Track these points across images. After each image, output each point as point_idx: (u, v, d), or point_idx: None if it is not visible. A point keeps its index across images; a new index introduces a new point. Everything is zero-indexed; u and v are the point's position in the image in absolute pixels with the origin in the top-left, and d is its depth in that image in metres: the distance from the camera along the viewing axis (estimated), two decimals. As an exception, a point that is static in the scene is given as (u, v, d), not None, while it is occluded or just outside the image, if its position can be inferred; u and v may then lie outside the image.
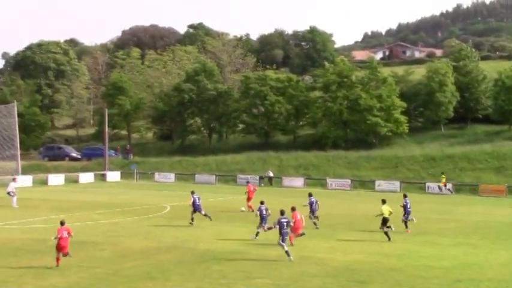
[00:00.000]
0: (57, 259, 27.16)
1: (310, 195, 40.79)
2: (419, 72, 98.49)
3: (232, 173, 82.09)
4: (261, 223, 34.67)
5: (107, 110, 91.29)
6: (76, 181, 78.66)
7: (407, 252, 31.33)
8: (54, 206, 50.37)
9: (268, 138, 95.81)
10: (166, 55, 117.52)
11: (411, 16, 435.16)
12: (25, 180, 73.18)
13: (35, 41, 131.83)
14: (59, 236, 27.35)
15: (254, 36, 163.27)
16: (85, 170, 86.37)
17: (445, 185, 71.50)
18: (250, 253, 30.41)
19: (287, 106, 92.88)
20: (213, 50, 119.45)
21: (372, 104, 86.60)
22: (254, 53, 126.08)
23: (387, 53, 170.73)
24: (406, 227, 38.70)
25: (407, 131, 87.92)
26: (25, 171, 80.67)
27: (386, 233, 35.21)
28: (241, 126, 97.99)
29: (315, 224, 39.29)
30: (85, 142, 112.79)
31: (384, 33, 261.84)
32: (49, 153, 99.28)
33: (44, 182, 75.45)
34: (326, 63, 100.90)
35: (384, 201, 36.11)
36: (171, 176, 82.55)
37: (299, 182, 76.88)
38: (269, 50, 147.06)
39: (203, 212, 40.57)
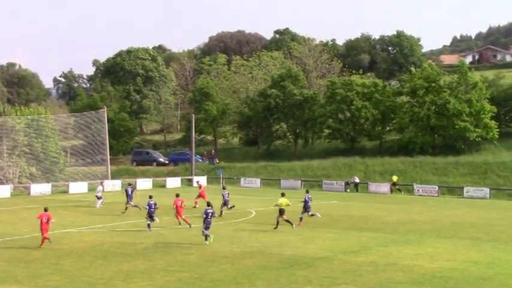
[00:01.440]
0: (43, 240, 32.96)
1: (223, 188, 50.97)
2: (510, 77, 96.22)
3: (317, 179, 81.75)
4: (147, 214, 39.55)
5: (193, 115, 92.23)
6: (163, 186, 79.66)
7: (497, 260, 30.61)
8: (138, 212, 51.17)
9: (354, 143, 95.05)
10: (252, 61, 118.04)
11: (503, 19, 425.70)
12: (114, 185, 74.68)
13: (124, 47, 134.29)
14: (39, 220, 33.29)
15: (340, 41, 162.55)
16: (172, 174, 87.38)
17: (394, 184, 74.38)
18: (336, 259, 30.25)
19: (373, 111, 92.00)
20: (299, 55, 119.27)
21: (461, 108, 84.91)
22: (340, 58, 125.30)
23: (477, 57, 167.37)
24: (300, 220, 42.49)
25: (497, 136, 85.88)
26: (114, 175, 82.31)
27: (278, 222, 40.33)
28: (326, 131, 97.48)
29: (221, 212, 47.03)
30: (172, 147, 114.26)
31: (473, 36, 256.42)
32: (137, 158, 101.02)
33: (133, 187, 76.65)
34: (412, 69, 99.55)
35: (283, 194, 41.10)
36: (257, 181, 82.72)
37: (385, 187, 75.99)
38: (355, 55, 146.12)
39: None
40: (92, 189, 69.87)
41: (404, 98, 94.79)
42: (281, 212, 40.29)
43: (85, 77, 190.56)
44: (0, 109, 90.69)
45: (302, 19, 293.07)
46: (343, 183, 77.93)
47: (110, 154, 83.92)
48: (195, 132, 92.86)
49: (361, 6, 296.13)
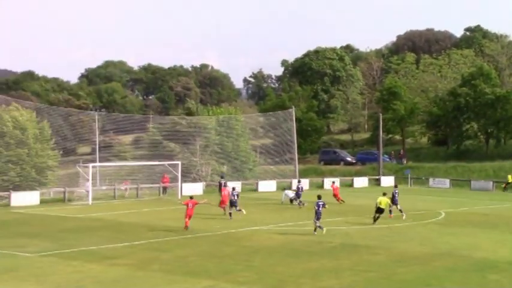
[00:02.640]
0: (186, 223, 38.58)
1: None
2: None
3: (510, 180, 78.54)
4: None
5: (381, 115, 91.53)
6: (351, 185, 79.63)
7: None
8: (329, 210, 51.37)
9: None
10: (442, 59, 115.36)
11: None
12: (302, 184, 75.56)
13: (312, 48, 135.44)
14: (184, 204, 39.37)
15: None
16: (359, 174, 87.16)
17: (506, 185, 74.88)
18: (531, 264, 29.02)
19: None
20: (491, 53, 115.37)
21: None
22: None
23: None
24: (390, 212, 45.45)
25: None
26: (302, 174, 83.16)
27: (375, 218, 42.37)
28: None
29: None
30: (359, 147, 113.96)
31: None
32: (325, 157, 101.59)
33: (320, 186, 77.17)
34: None
35: (384, 194, 43.98)
36: (446, 182, 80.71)
37: None
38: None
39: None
40: (280, 187, 71.11)
41: None
42: (379, 210, 42.52)
43: (274, 77, 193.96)
44: (194, 109, 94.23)
45: (495, 15, 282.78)
46: (537, 186, 74.43)
47: (298, 153, 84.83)
48: (383, 132, 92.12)
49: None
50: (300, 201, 53.28)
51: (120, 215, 47.22)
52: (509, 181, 74.59)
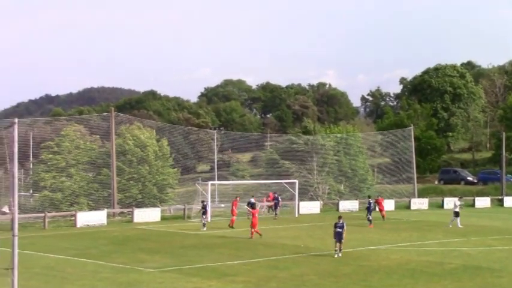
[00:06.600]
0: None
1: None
2: None
3: None
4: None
5: (504, 133, 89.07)
6: (472, 205, 77.74)
7: None
8: (449, 230, 50.37)
9: None
10: None
11: None
12: (421, 203, 74.50)
13: (432, 65, 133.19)
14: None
15: None
16: (481, 194, 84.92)
17: None
18: None
19: None
20: None
21: None
22: None
23: None
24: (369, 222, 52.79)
25: None
26: (421, 194, 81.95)
27: None
28: None
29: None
30: (481, 166, 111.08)
31: None
32: (444, 176, 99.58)
33: (440, 205, 75.85)
34: None
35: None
36: None
37: None
38: None
39: None
40: (398, 207, 70.13)
41: None
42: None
43: (392, 95, 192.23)
44: (311, 127, 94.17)
45: None
46: None
47: (416, 172, 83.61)
48: (506, 151, 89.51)
49: None
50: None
51: (239, 233, 47.61)
52: None
